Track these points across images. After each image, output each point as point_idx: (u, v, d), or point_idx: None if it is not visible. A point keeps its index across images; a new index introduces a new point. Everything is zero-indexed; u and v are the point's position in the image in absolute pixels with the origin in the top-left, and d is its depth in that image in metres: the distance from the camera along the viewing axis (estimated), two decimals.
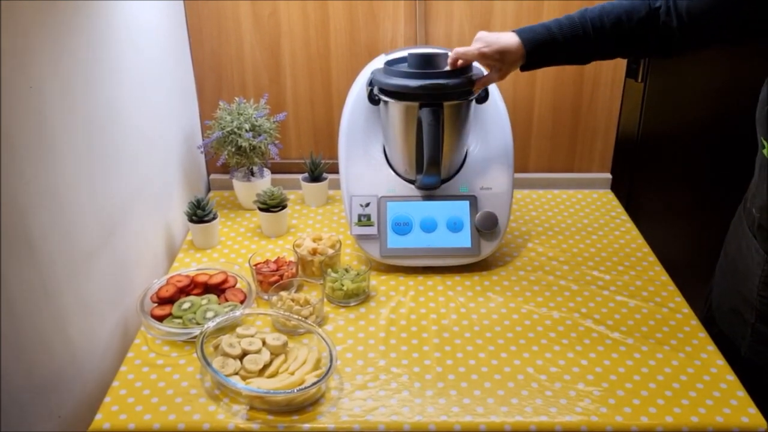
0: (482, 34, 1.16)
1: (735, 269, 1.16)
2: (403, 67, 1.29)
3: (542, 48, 1.12)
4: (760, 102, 1.01)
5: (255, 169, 1.59)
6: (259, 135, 1.50)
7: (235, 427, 0.97)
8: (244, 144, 1.47)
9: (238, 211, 1.60)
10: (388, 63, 1.34)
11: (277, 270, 1.27)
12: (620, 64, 1.60)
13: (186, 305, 1.18)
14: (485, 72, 1.24)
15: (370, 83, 1.33)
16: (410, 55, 1.28)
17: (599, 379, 1.06)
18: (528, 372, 1.08)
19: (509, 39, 1.12)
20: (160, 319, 1.16)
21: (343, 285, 1.23)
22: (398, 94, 1.26)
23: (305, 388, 0.99)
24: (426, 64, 1.25)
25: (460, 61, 1.20)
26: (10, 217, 0.86)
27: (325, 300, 1.25)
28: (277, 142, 1.55)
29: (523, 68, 1.15)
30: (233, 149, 1.48)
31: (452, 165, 1.38)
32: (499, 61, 1.15)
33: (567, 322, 1.19)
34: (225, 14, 1.55)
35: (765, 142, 1.01)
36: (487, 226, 1.32)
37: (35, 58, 0.90)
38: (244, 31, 1.57)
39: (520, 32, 1.13)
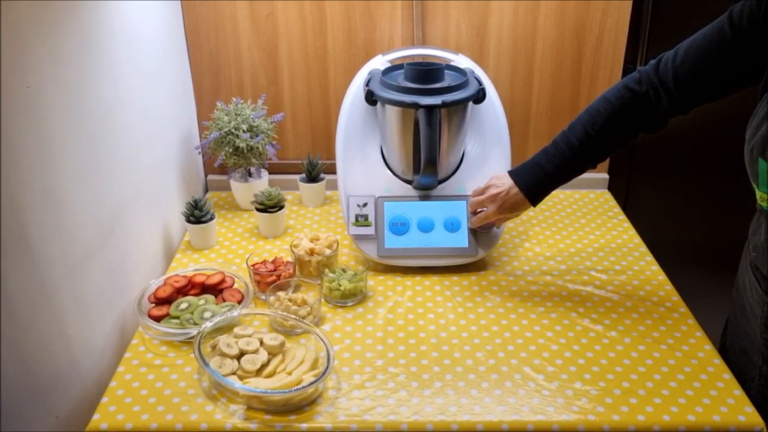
0: (491, 194, 1.24)
1: (742, 306, 1.13)
2: (400, 74, 1.30)
3: (540, 186, 1.19)
4: (747, 148, 0.98)
5: (252, 169, 1.59)
6: (257, 136, 1.50)
7: (233, 426, 0.97)
8: (242, 145, 1.48)
9: (235, 212, 1.60)
10: (386, 70, 1.34)
11: (275, 270, 1.27)
12: (617, 63, 1.61)
13: (183, 305, 1.18)
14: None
15: (368, 83, 1.33)
16: (407, 66, 1.29)
17: (596, 378, 1.06)
18: (525, 371, 1.08)
19: (514, 195, 1.20)
20: (157, 319, 1.16)
21: (340, 285, 1.23)
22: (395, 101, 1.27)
23: (303, 387, 0.99)
24: (424, 77, 1.26)
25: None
26: (8, 217, 0.86)
27: (323, 300, 1.25)
28: (274, 142, 1.55)
29: (534, 205, 1.22)
30: (231, 150, 1.48)
31: (449, 165, 1.38)
32: (514, 213, 1.25)
33: (564, 322, 1.20)
34: (222, 15, 1.55)
35: (754, 185, 0.99)
36: (484, 227, 1.32)
37: (33, 59, 0.90)
38: (242, 31, 1.57)
39: (517, 181, 1.20)
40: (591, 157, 1.16)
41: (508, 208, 1.22)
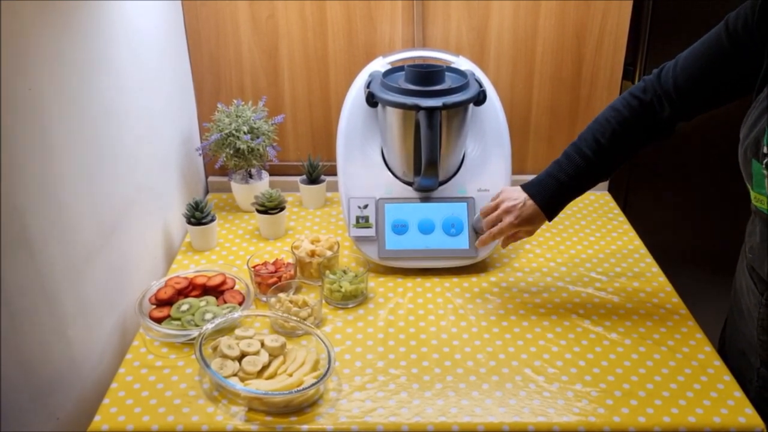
0: (506, 207, 1.20)
1: (740, 308, 1.13)
2: (401, 76, 1.30)
3: (554, 196, 1.17)
4: (741, 146, 0.99)
5: (253, 171, 1.59)
6: (257, 137, 1.50)
7: (234, 428, 0.97)
8: (243, 146, 1.48)
9: (236, 213, 1.60)
10: (387, 72, 1.34)
11: (276, 272, 1.27)
12: (617, 65, 1.61)
13: (184, 307, 1.18)
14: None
15: (368, 85, 1.33)
16: (408, 68, 1.29)
17: (597, 380, 1.06)
18: (526, 373, 1.08)
19: (530, 207, 1.18)
20: (158, 320, 1.16)
21: (341, 287, 1.23)
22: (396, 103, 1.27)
23: (304, 389, 0.99)
24: (424, 79, 1.26)
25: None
26: (10, 218, 0.86)
27: (324, 302, 1.25)
28: (275, 144, 1.56)
29: (550, 218, 1.20)
30: (231, 151, 1.49)
31: (450, 167, 1.38)
32: (529, 225, 1.21)
33: (565, 323, 1.20)
34: (223, 16, 1.55)
35: (749, 186, 0.99)
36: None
37: (34, 61, 0.90)
38: (243, 33, 1.57)
39: (531, 193, 1.18)
40: (603, 166, 1.15)
41: (524, 220, 1.19)
